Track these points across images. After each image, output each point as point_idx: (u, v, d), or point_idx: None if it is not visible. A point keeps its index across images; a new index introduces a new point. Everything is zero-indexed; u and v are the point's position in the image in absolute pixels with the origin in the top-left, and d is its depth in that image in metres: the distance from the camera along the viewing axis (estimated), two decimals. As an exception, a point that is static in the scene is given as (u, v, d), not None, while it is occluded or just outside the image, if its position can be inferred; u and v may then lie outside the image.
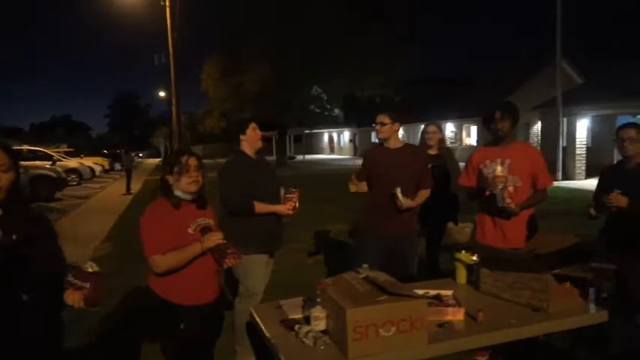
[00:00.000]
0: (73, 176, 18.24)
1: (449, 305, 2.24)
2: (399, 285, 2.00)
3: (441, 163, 4.22)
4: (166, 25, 18.08)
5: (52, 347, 1.86)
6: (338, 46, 22.01)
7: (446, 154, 4.42)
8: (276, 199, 3.19)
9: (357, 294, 1.87)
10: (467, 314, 2.15)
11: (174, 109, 19.34)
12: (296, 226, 7.38)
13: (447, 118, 26.17)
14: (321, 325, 1.97)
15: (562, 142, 15.13)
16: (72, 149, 26.34)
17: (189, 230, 2.24)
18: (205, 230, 2.26)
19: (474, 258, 2.69)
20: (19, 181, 1.72)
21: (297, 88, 24.63)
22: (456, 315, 2.14)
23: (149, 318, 2.38)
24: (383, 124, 3.34)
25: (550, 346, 3.12)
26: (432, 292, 2.41)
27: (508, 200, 2.91)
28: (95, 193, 15.56)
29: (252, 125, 3.22)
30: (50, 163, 16.08)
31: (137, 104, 74.63)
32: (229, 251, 2.17)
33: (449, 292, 2.42)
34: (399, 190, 3.15)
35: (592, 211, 3.10)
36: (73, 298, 1.70)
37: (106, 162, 23.93)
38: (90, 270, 1.72)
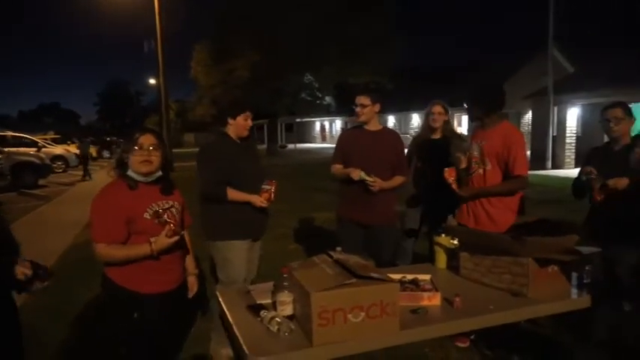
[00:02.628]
0: (59, 163, 17.95)
1: (425, 290, 2.14)
2: (371, 268, 1.89)
3: (445, 148, 3.61)
4: (154, 9, 17.76)
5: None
6: (328, 34, 21.77)
7: (451, 137, 3.78)
8: (257, 188, 2.93)
9: (324, 277, 1.76)
10: (444, 299, 2.05)
11: (162, 96, 19.08)
12: (283, 213, 7.29)
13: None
14: (287, 310, 1.85)
15: (552, 131, 15.09)
16: (59, 136, 25.93)
17: (146, 215, 2.08)
18: (159, 214, 2.09)
19: (454, 242, 2.59)
20: None
21: (287, 75, 24.33)
22: (431, 300, 2.04)
23: (105, 306, 2.24)
24: (364, 106, 3.19)
25: (533, 332, 3.05)
26: (409, 277, 2.31)
27: (449, 180, 2.94)
28: (82, 180, 15.30)
29: (246, 114, 2.93)
30: (35, 149, 15.80)
31: (128, 92, 73.51)
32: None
33: (426, 277, 2.32)
34: (362, 173, 3.04)
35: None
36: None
37: (94, 149, 23.56)
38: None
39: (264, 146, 29.12)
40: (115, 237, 2.05)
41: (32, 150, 15.38)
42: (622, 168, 2.69)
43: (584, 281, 2.29)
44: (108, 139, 18.87)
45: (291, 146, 34.15)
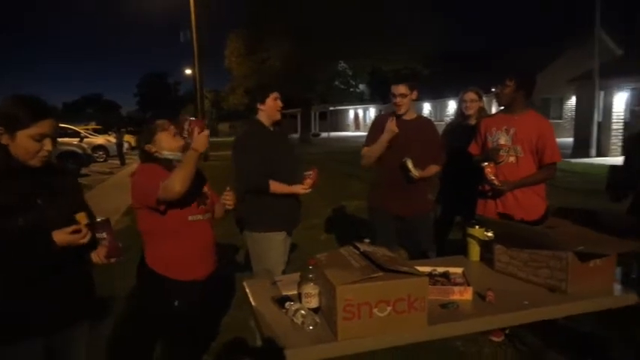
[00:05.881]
0: (100, 152, 18.59)
1: (456, 284, 2.06)
2: (399, 261, 1.83)
3: None
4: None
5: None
6: (363, 21, 21.46)
7: None
8: (295, 177, 2.90)
9: (350, 270, 1.71)
10: (476, 294, 1.97)
11: (197, 85, 19.36)
12: (314, 202, 7.27)
13: (475, 93, 25.27)
14: (312, 302, 1.82)
15: (597, 117, 14.37)
16: (100, 127, 26.83)
17: None
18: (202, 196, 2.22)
19: (489, 234, 2.48)
20: None
21: (321, 63, 24.21)
22: (463, 294, 1.96)
23: (145, 294, 2.29)
24: (403, 95, 3.10)
25: (572, 329, 2.91)
26: (440, 270, 2.24)
27: (491, 176, 2.77)
28: (120, 169, 15.81)
29: (274, 95, 2.86)
30: (78, 140, 16.40)
31: (166, 82, 75.14)
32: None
33: (458, 270, 2.24)
34: (409, 162, 2.96)
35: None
36: (97, 255, 1.77)
37: (132, 139, 24.22)
38: (100, 220, 1.74)
39: (297, 135, 29.21)
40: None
41: (75, 140, 15.96)
42: None
43: (632, 276, 2.16)
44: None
45: (324, 135, 34.10)
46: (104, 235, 1.73)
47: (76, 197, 1.82)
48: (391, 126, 3.06)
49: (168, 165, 2.16)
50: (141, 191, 2.10)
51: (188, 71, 31.34)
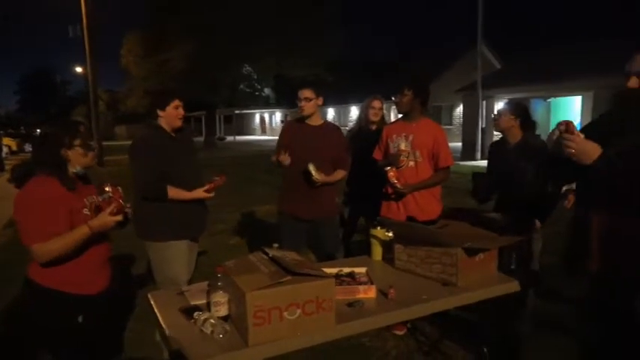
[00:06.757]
0: (-27, 159, 16.50)
1: (361, 283, 2.17)
2: (307, 264, 1.89)
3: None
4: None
5: None
6: (268, 24, 21.54)
7: None
8: (198, 182, 2.83)
9: (259, 276, 1.73)
10: (379, 291, 2.10)
11: (90, 85, 18.01)
12: (222, 207, 7.15)
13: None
14: (222, 311, 1.81)
15: (481, 124, 15.88)
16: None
17: (85, 211, 1.99)
18: (99, 210, 2.02)
19: (389, 234, 2.65)
20: None
21: (226, 66, 23.79)
22: (367, 293, 2.07)
23: (40, 312, 2.08)
24: (308, 99, 3.18)
25: (463, 318, 3.19)
26: (346, 270, 2.34)
27: (394, 180, 2.98)
28: (-1, 176, 14.15)
29: (175, 103, 2.77)
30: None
31: (53, 80, 68.41)
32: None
33: (362, 270, 2.36)
34: (312, 167, 3.05)
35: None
36: None
37: (13, 143, 21.85)
38: None
39: (202, 138, 28.35)
40: (56, 232, 1.88)
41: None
42: (514, 163, 3.01)
43: (511, 267, 2.44)
44: (23, 130, 17.80)
45: (230, 138, 33.51)
46: None
47: None
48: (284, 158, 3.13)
49: (71, 182, 1.99)
50: (24, 223, 1.90)
51: (79, 69, 28.99)
